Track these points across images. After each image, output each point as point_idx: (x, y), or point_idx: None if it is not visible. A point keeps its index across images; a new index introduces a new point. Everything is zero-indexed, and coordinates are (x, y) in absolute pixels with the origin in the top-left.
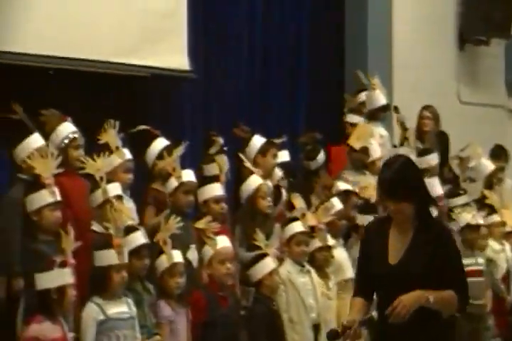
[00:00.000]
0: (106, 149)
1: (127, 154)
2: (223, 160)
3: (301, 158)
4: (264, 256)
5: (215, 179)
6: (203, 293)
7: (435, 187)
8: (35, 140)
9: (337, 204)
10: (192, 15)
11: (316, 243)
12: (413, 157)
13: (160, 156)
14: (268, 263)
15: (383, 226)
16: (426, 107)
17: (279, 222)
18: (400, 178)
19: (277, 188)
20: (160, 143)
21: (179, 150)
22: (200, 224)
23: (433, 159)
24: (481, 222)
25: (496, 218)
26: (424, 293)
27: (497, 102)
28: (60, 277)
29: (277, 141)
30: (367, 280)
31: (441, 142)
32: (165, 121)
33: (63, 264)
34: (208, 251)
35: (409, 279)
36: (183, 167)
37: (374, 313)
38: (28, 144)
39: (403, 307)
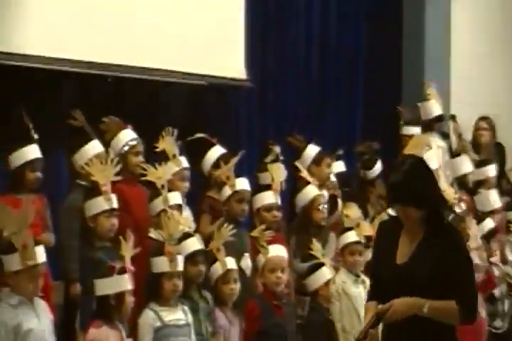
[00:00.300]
0: (163, 157)
1: (184, 162)
2: (278, 168)
3: (358, 167)
4: (320, 265)
5: (268, 187)
6: (257, 302)
7: (493, 199)
8: (94, 146)
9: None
10: (250, 24)
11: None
12: (471, 167)
13: (216, 165)
14: (324, 273)
15: (395, 227)
16: (482, 118)
17: (334, 231)
18: (407, 181)
19: (333, 198)
20: (216, 152)
21: (235, 159)
22: (255, 233)
23: (491, 170)
24: None
25: None
26: (419, 301)
27: None
28: (118, 283)
29: (333, 153)
30: (379, 283)
31: (498, 153)
32: (221, 130)
33: (122, 271)
34: (261, 259)
35: (414, 281)
36: (240, 175)
37: None
38: (87, 151)
39: (393, 312)
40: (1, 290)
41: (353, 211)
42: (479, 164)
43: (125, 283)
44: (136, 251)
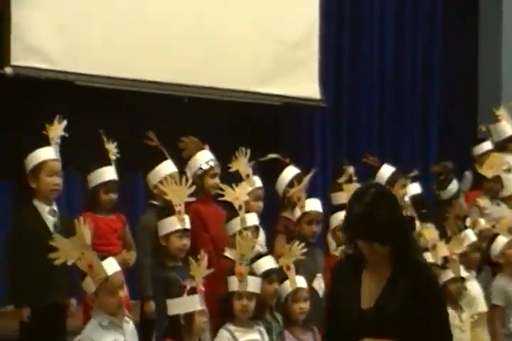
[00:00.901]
0: (237, 177)
1: (257, 182)
2: (351, 188)
3: (434, 187)
4: None
5: (342, 208)
6: None
7: None
8: (168, 166)
9: (471, 235)
10: (323, 44)
11: (449, 274)
12: None
13: (290, 184)
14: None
15: (356, 265)
16: None
17: None
18: (369, 215)
19: (410, 219)
20: (290, 172)
21: (306, 178)
22: (337, 252)
23: None
24: None
25: None
26: None
27: None
28: (188, 304)
29: (409, 175)
30: (337, 328)
31: None
32: (295, 149)
33: (192, 291)
34: None
35: (382, 327)
36: (313, 195)
37: None
38: (160, 170)
39: None
40: (95, 310)
41: (429, 232)
42: None
43: (195, 303)
44: (208, 272)
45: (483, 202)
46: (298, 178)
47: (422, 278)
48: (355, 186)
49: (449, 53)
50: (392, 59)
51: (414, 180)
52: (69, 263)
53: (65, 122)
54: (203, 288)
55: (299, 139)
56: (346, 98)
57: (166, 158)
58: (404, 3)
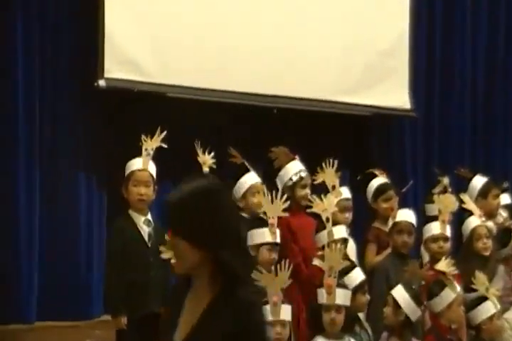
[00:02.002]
0: (325, 188)
1: (345, 193)
2: (447, 199)
3: None
4: (484, 299)
5: (435, 218)
6: (434, 337)
7: None
8: (250, 178)
9: None
10: (414, 53)
11: None
12: None
13: (378, 195)
14: (488, 308)
15: (182, 288)
16: None
17: (507, 265)
18: (180, 203)
19: (507, 230)
20: (376, 182)
21: (404, 189)
22: (441, 266)
23: None
24: None
25: None
26: None
27: None
28: (269, 314)
29: (502, 186)
30: None
31: None
32: (386, 160)
33: (275, 301)
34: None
35: None
36: (406, 206)
37: None
38: (243, 182)
39: None
40: None
41: None
42: None
43: (268, 314)
44: (288, 283)
45: None
46: (386, 188)
47: (240, 321)
48: (449, 196)
49: None
50: (484, 67)
51: (505, 190)
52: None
53: (164, 134)
54: (275, 299)
55: (390, 150)
56: (437, 108)
57: (248, 170)
58: (497, 9)
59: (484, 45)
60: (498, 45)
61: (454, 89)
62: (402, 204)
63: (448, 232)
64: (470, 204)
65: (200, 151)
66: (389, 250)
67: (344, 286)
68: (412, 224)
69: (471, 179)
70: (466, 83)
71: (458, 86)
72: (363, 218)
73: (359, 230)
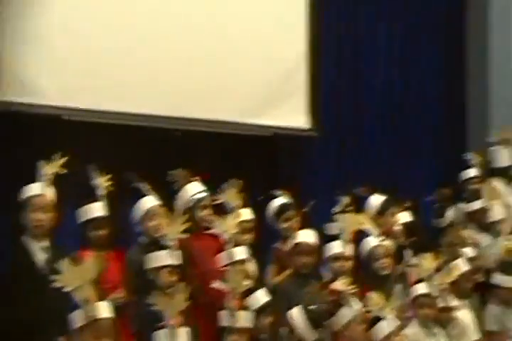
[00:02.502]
0: (227, 209)
1: (247, 214)
2: (348, 219)
3: (431, 216)
4: (379, 319)
5: (336, 238)
6: None
7: None
8: (147, 201)
9: (463, 265)
10: (324, 71)
11: (439, 303)
12: None
13: (278, 215)
14: (383, 327)
15: None
16: None
17: (403, 282)
18: None
19: (400, 248)
20: (278, 202)
21: (302, 211)
22: (338, 286)
23: None
24: None
25: None
26: None
27: None
28: (167, 337)
29: (403, 204)
30: None
31: None
32: (291, 179)
33: (172, 325)
34: (346, 312)
35: None
36: (312, 226)
37: None
38: (140, 207)
39: None
40: None
41: (427, 262)
42: None
43: (165, 337)
44: (186, 305)
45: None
46: (289, 209)
47: None
48: (349, 216)
49: (446, 84)
50: (390, 85)
51: (409, 208)
52: (67, 289)
53: (63, 159)
54: (171, 323)
55: (296, 170)
56: (345, 127)
57: (144, 194)
58: (397, 32)
59: (398, 62)
60: (408, 63)
61: (361, 109)
62: (307, 224)
63: (349, 251)
64: (368, 224)
65: (98, 175)
66: (290, 270)
67: (247, 308)
68: (313, 245)
69: (369, 198)
70: (373, 103)
71: (365, 106)
72: (267, 238)
73: (262, 250)
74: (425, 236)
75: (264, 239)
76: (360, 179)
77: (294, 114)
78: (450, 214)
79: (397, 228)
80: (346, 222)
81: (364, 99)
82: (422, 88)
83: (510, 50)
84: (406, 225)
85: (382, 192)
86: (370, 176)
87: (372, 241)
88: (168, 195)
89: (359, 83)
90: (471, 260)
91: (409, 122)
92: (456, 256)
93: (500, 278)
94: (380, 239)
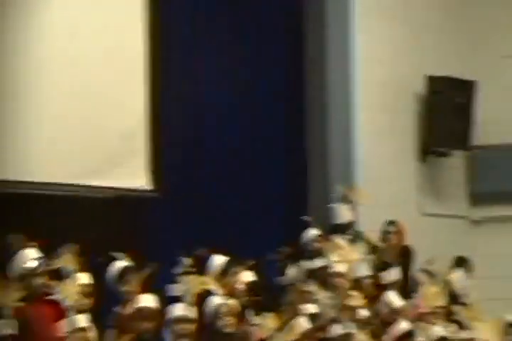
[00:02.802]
0: (65, 274)
1: (84, 278)
2: (192, 280)
3: (272, 275)
4: None
5: (180, 299)
6: None
7: (394, 299)
8: None
9: (304, 323)
10: (163, 132)
11: None
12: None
13: (119, 278)
14: None
15: None
16: (390, 222)
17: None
18: None
19: (243, 307)
20: (119, 265)
21: (143, 273)
22: None
23: (394, 274)
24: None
25: (465, 335)
26: None
27: (459, 213)
28: None
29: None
30: None
31: (405, 256)
32: (131, 241)
33: None
34: None
35: None
36: (153, 289)
37: None
38: None
39: None
40: None
41: (269, 321)
42: (382, 268)
43: None
44: None
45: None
46: (129, 272)
47: None
48: (193, 278)
49: (285, 141)
50: (230, 144)
51: (252, 267)
52: None
53: None
54: None
55: (137, 231)
56: (183, 187)
57: None
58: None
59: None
60: (237, 122)
61: (201, 169)
62: (149, 287)
63: (193, 313)
64: (212, 284)
65: None
66: (130, 335)
67: None
68: (154, 309)
69: (211, 258)
70: (213, 162)
71: (206, 165)
72: (107, 302)
73: (103, 315)
74: (268, 295)
75: (105, 302)
76: (203, 239)
77: (135, 174)
78: (292, 272)
79: (240, 287)
80: (189, 283)
81: (205, 160)
82: (263, 144)
83: (348, 108)
84: (249, 284)
85: (224, 251)
86: (213, 236)
87: (216, 300)
88: (3, 260)
89: (201, 141)
90: (313, 317)
91: (248, 179)
92: (297, 314)
93: None
94: (224, 298)
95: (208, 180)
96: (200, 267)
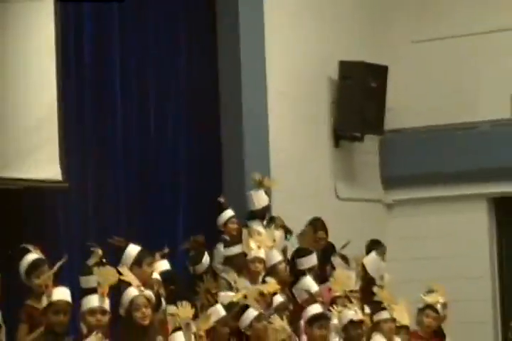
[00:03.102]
0: None
1: None
2: (105, 271)
3: (187, 264)
4: None
5: (93, 291)
6: None
7: (310, 284)
8: None
9: (220, 310)
10: (68, 125)
11: None
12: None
13: (31, 271)
14: None
15: None
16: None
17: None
18: None
19: (157, 296)
20: (30, 258)
21: (56, 266)
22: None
23: (311, 260)
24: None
25: (385, 314)
26: None
27: (374, 197)
28: None
29: (159, 252)
30: None
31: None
32: (40, 234)
33: None
34: None
35: None
36: (65, 281)
37: None
38: None
39: None
40: None
41: (184, 310)
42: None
43: None
44: None
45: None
46: (39, 264)
47: None
48: (108, 269)
49: (196, 137)
50: (137, 137)
51: (164, 257)
52: None
53: None
54: None
55: (44, 223)
56: (92, 178)
57: None
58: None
59: (135, 117)
60: (149, 116)
61: (107, 160)
62: (60, 280)
63: (106, 305)
64: (127, 275)
65: None
66: (41, 329)
67: None
68: (68, 302)
69: (125, 248)
70: (119, 153)
71: (111, 156)
72: (17, 296)
73: (14, 308)
74: (182, 285)
75: (16, 296)
76: (115, 229)
77: (45, 166)
78: (207, 259)
79: (154, 277)
80: (102, 274)
81: (109, 151)
82: (174, 133)
83: (261, 95)
84: (163, 274)
85: (137, 241)
86: (125, 225)
87: (132, 292)
88: None
89: (105, 135)
90: (229, 305)
91: (158, 168)
92: (212, 303)
93: None
94: (140, 289)
95: (118, 170)
96: (114, 257)
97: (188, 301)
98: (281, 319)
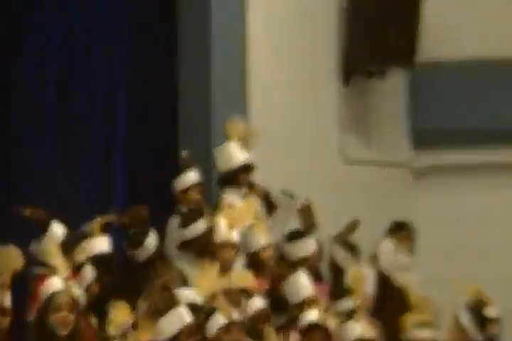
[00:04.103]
0: None
1: None
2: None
3: (124, 246)
4: None
5: None
6: None
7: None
8: None
9: (184, 315)
10: None
11: None
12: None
13: None
14: None
15: None
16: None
17: None
18: None
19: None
20: None
21: None
22: None
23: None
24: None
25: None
26: None
27: (398, 160)
28: None
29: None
30: None
31: None
32: None
33: None
34: None
35: None
36: None
37: None
38: None
39: None
40: None
41: (122, 313)
42: None
43: None
44: None
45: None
46: None
47: None
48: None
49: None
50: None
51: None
52: None
53: None
54: None
55: None
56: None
57: None
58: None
59: None
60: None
61: (32, 118)
62: None
63: (7, 301)
64: (53, 257)
65: None
66: None
67: None
68: None
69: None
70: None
71: (37, 117)
72: None
73: None
74: (120, 276)
75: None
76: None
77: None
78: (152, 240)
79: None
80: (1, 257)
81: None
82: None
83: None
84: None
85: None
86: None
87: (54, 284)
88: None
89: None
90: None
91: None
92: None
93: None
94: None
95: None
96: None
97: (128, 300)
98: (259, 332)
